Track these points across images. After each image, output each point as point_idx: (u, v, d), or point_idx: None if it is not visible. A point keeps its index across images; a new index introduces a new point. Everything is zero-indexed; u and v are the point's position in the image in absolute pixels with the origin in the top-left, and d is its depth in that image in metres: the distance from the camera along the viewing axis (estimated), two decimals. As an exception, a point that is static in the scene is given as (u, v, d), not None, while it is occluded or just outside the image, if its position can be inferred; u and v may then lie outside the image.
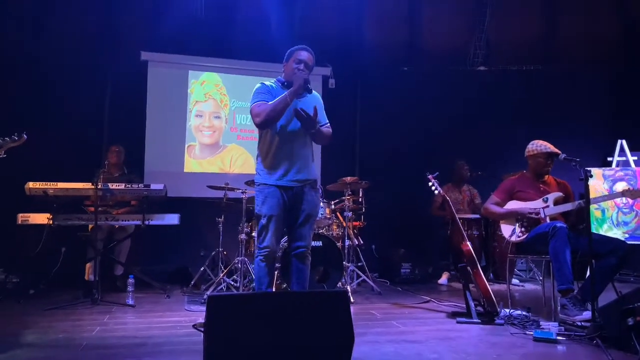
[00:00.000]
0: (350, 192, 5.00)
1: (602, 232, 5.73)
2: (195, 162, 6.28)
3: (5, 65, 5.61)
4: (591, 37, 6.81)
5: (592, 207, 5.22)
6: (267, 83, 3.16)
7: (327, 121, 3.26)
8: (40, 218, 4.35)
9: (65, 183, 4.30)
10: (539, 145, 3.88)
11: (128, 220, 4.61)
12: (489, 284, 3.64)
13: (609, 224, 5.97)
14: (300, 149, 3.10)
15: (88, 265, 4.69)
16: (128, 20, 6.21)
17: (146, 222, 4.51)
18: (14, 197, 4.38)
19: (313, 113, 2.96)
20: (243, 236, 4.63)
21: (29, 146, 3.40)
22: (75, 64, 5.86)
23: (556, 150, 3.82)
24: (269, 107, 2.99)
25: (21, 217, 4.38)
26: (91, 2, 6.05)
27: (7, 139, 3.29)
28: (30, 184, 4.22)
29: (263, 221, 3.03)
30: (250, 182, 4.41)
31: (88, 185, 4.27)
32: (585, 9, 6.69)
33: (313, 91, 3.22)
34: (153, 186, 4.48)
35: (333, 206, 5.01)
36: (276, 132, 3.06)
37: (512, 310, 3.58)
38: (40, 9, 5.90)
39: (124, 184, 4.48)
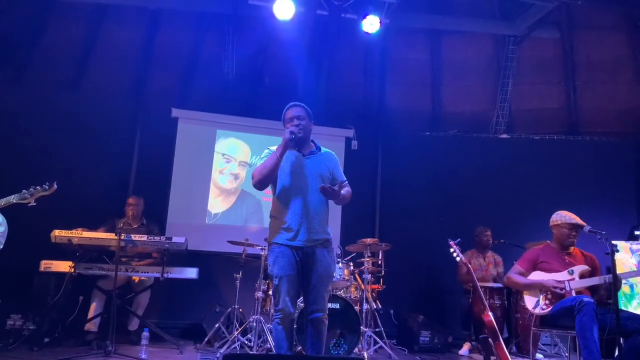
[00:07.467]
0: (369, 254, 4.95)
1: (630, 309, 5.50)
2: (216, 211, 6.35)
3: (41, 117, 5.88)
4: (614, 107, 6.84)
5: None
6: (273, 148, 3.14)
7: (345, 178, 3.26)
8: (63, 266, 4.41)
9: (89, 232, 4.38)
10: (563, 216, 3.83)
11: (147, 272, 4.63)
12: (511, 358, 3.50)
13: (639, 300, 5.73)
14: (311, 207, 3.05)
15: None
16: (161, 79, 6.52)
17: (165, 275, 4.53)
18: (37, 243, 4.43)
19: (330, 182, 3.12)
20: (260, 294, 4.58)
21: (57, 193, 3.48)
22: (108, 117, 6.12)
23: (581, 221, 3.76)
24: (259, 167, 3.06)
25: (44, 264, 4.43)
26: (127, 61, 6.40)
27: (38, 187, 3.39)
28: (56, 232, 4.29)
29: (275, 282, 2.98)
30: (267, 239, 4.42)
31: (111, 235, 4.33)
32: (607, 79, 6.74)
33: (325, 149, 3.25)
34: (175, 239, 4.51)
35: (352, 267, 4.95)
36: (286, 191, 3.06)
37: (536, 388, 3.42)
38: (80, 66, 6.25)
39: (146, 236, 4.52)
